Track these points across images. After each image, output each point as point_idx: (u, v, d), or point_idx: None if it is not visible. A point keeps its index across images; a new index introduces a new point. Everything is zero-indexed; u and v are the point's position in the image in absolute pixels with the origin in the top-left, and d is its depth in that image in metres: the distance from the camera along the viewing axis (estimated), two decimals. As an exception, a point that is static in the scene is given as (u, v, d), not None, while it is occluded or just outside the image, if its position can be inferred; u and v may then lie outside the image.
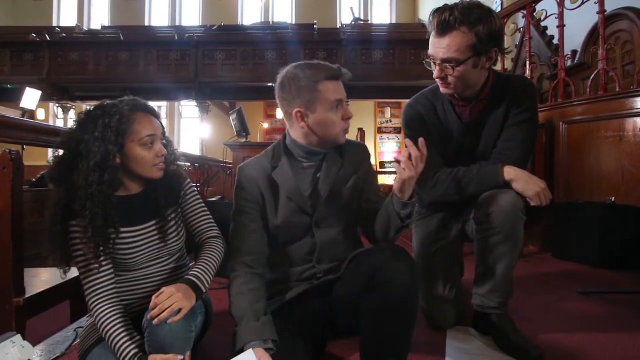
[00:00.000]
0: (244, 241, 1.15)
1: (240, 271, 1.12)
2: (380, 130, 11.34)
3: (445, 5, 1.17)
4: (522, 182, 1.19)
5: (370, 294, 0.97)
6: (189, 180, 1.22)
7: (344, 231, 1.20)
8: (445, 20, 1.15)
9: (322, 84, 1.09)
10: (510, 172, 1.21)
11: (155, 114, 1.11)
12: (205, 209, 1.21)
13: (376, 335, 0.97)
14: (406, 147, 1.03)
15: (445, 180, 1.29)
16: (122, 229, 1.05)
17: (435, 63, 1.22)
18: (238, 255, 1.15)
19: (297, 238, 1.17)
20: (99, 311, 1.00)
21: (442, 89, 1.28)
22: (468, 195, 1.26)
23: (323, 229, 1.17)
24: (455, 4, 1.16)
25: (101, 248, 1.01)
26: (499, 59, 1.30)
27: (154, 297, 0.93)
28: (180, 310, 0.92)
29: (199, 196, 1.21)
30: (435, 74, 1.23)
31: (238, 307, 1.06)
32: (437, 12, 1.18)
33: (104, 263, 1.02)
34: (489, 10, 1.18)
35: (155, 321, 0.90)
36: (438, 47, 1.19)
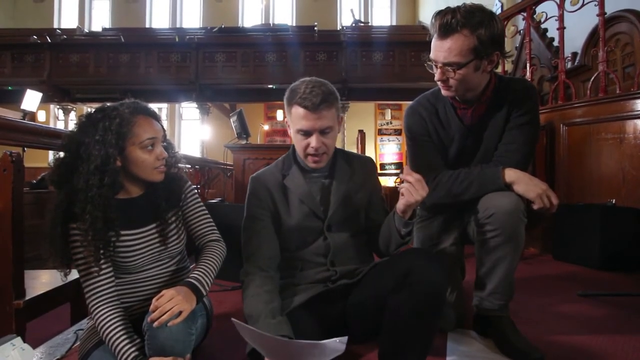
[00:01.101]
0: (257, 246, 1.18)
1: (254, 274, 1.14)
2: (380, 132, 11.35)
3: (448, 7, 1.17)
4: (523, 184, 1.19)
5: (402, 291, 0.99)
6: (189, 182, 1.22)
7: (355, 236, 1.24)
8: (447, 22, 1.15)
9: (294, 107, 1.13)
10: (510, 175, 1.21)
11: (156, 117, 1.11)
12: (206, 211, 1.21)
13: (403, 332, 0.98)
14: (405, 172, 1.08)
15: (446, 183, 1.29)
16: (123, 232, 1.05)
17: (436, 66, 1.22)
18: (252, 259, 1.17)
19: (309, 242, 1.20)
20: (99, 314, 0.99)
21: (443, 92, 1.28)
22: (469, 197, 1.26)
23: (335, 232, 1.20)
24: (458, 7, 1.16)
25: (101, 251, 1.00)
26: (500, 62, 1.29)
27: (154, 300, 0.93)
28: (180, 313, 0.92)
29: (199, 199, 1.22)
30: (437, 76, 1.23)
31: (253, 307, 1.07)
32: (439, 14, 1.18)
33: (104, 266, 1.02)
34: (490, 14, 1.18)
35: (155, 324, 0.90)
36: (439, 50, 1.19)
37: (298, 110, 1.12)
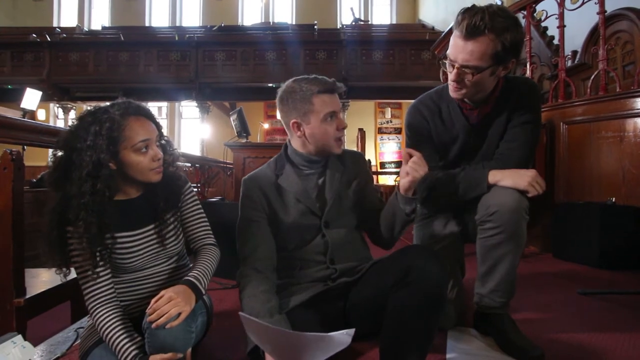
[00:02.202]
0: (253, 248, 1.18)
1: (251, 276, 1.14)
2: (380, 131, 11.33)
3: (475, 6, 1.14)
4: (510, 178, 1.19)
5: (403, 289, 0.99)
6: (189, 183, 1.21)
7: (352, 232, 1.25)
8: (475, 24, 1.11)
9: (315, 97, 1.15)
10: (495, 175, 1.21)
11: (149, 116, 1.08)
12: (204, 215, 1.20)
13: (403, 330, 0.98)
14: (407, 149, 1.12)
15: (431, 183, 1.31)
16: (121, 234, 1.05)
17: (453, 65, 1.18)
18: (248, 261, 1.17)
19: (307, 240, 1.20)
20: (98, 316, 0.99)
21: (453, 93, 1.25)
22: (455, 199, 1.27)
23: (333, 229, 1.21)
24: (486, 8, 1.12)
25: (98, 255, 1.00)
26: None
27: (152, 301, 0.93)
28: (179, 315, 0.92)
29: (198, 201, 1.21)
30: (452, 77, 1.20)
31: (251, 308, 1.07)
32: (467, 13, 1.13)
33: (101, 269, 1.01)
34: (515, 19, 1.15)
35: (153, 325, 0.90)
36: (461, 50, 1.15)
37: (322, 98, 1.15)
